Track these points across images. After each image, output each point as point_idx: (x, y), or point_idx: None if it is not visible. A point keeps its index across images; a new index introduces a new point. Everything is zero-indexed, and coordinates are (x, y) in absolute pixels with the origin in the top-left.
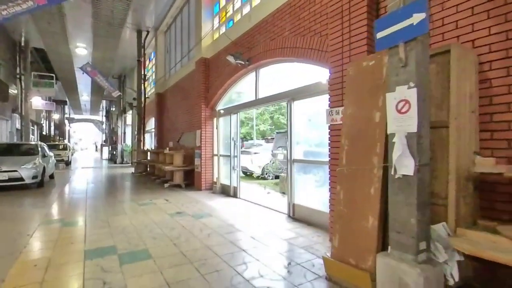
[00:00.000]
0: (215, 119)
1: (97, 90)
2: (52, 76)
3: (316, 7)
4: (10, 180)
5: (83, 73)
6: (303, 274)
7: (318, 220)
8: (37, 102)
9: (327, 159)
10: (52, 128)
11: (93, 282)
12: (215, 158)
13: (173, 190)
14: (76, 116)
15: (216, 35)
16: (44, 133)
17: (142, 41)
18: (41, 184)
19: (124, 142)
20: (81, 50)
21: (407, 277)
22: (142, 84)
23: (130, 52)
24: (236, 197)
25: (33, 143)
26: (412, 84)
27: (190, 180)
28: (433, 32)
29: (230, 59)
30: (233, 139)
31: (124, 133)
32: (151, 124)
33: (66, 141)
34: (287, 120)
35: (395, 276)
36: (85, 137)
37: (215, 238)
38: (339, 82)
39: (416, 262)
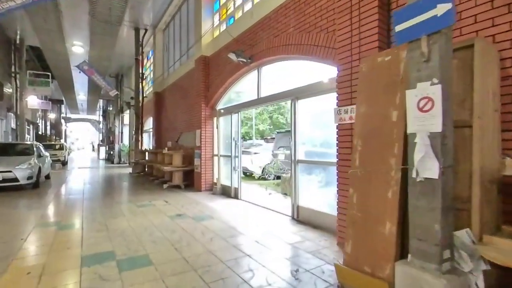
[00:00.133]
0: (215, 119)
1: (94, 89)
2: (48, 75)
3: (322, 2)
4: (4, 181)
5: (79, 72)
6: (313, 281)
7: (324, 222)
8: (32, 101)
9: (333, 159)
10: (48, 127)
11: None
12: (215, 158)
13: (172, 191)
14: (73, 116)
15: (216, 33)
16: (40, 132)
17: (140, 39)
18: (37, 185)
19: (122, 142)
20: (78, 49)
21: None
22: (140, 83)
23: (127, 51)
24: (237, 198)
25: (28, 143)
26: (435, 80)
27: (190, 180)
28: None
29: (232, 56)
30: (234, 139)
31: (122, 132)
32: (149, 123)
33: (62, 141)
34: (291, 119)
35: (416, 287)
36: (81, 137)
37: (218, 242)
38: (348, 80)
39: (440, 272)
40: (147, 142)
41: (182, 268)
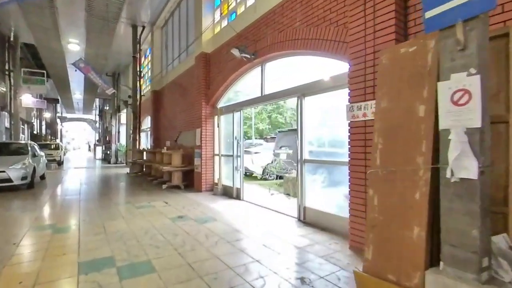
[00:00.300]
0: (216, 117)
1: (90, 88)
2: (43, 73)
3: None
4: None
5: (75, 70)
6: None
7: (333, 224)
8: (27, 99)
9: (343, 159)
10: (44, 127)
11: None
12: (216, 158)
13: (171, 191)
14: (69, 115)
15: (217, 29)
16: (35, 132)
17: (138, 37)
18: (31, 185)
19: (119, 141)
20: (74, 46)
21: None
22: (138, 81)
23: (124, 48)
24: (239, 199)
25: (22, 142)
26: (473, 71)
27: (190, 181)
28: None
29: (235, 52)
30: (236, 138)
31: (118, 132)
32: (146, 123)
33: (58, 141)
34: (297, 117)
35: None
36: (77, 137)
37: (223, 246)
38: (361, 75)
39: (479, 282)
40: (145, 141)
41: (188, 275)
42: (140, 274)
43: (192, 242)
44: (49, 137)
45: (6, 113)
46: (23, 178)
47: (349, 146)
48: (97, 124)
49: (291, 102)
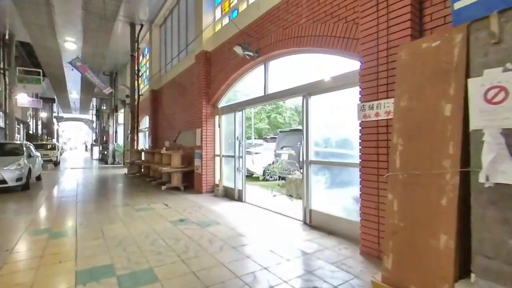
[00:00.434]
0: (217, 117)
1: (87, 88)
2: (39, 72)
3: None
4: None
5: (72, 69)
6: None
7: (340, 228)
8: (22, 99)
9: (351, 160)
10: (40, 127)
11: None
12: (217, 158)
13: (171, 193)
14: (65, 115)
15: (218, 27)
16: (31, 132)
17: (136, 35)
18: (27, 187)
19: (116, 141)
20: (70, 45)
21: None
22: (136, 81)
23: (122, 47)
24: (241, 201)
25: (17, 142)
26: (510, 66)
27: (189, 182)
28: None
29: (238, 50)
30: (238, 138)
31: (116, 132)
32: (145, 122)
33: (54, 141)
34: (302, 117)
35: None
36: (74, 137)
37: (228, 253)
38: (374, 73)
39: None
40: (143, 141)
41: (193, 285)
42: (142, 284)
43: (196, 247)
44: (45, 137)
45: (1, 113)
46: (18, 179)
47: (360, 147)
48: (94, 124)
49: (291, 101)
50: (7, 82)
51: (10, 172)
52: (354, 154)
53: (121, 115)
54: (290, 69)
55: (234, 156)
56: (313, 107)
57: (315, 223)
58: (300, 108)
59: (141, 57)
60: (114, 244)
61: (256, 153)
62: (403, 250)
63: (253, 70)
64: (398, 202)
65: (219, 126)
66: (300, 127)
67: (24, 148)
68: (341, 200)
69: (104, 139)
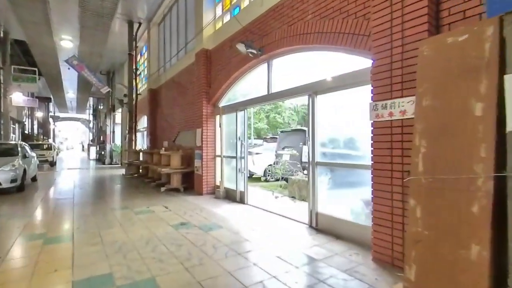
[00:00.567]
0: (217, 117)
1: (84, 87)
2: (35, 71)
3: None
4: None
5: (68, 68)
6: None
7: (349, 232)
8: (18, 98)
9: (361, 162)
10: (36, 126)
11: None
12: (218, 159)
13: (171, 194)
14: (62, 114)
15: (219, 25)
16: (26, 132)
17: (134, 34)
18: (21, 188)
19: (113, 141)
20: (67, 43)
21: None
22: (134, 80)
23: (120, 46)
24: (244, 203)
25: (12, 142)
26: None
27: (189, 183)
28: None
29: (241, 47)
30: (239, 139)
31: (113, 132)
32: (142, 122)
33: (50, 141)
34: (308, 117)
35: None
36: (71, 137)
37: (234, 259)
38: (387, 70)
39: None
40: (141, 141)
41: None
42: None
43: (199, 254)
44: (41, 137)
45: None
46: (13, 180)
47: (372, 148)
48: (91, 124)
49: (290, 101)
50: (2, 81)
51: (4, 173)
52: (362, 155)
53: (118, 115)
54: (294, 67)
55: (235, 157)
56: (319, 106)
57: (322, 226)
58: (299, 108)
59: (139, 56)
60: (113, 251)
61: (257, 153)
62: (427, 261)
63: (256, 68)
64: (421, 209)
65: (220, 126)
66: (300, 127)
67: (19, 148)
68: (349, 203)
69: (102, 139)
